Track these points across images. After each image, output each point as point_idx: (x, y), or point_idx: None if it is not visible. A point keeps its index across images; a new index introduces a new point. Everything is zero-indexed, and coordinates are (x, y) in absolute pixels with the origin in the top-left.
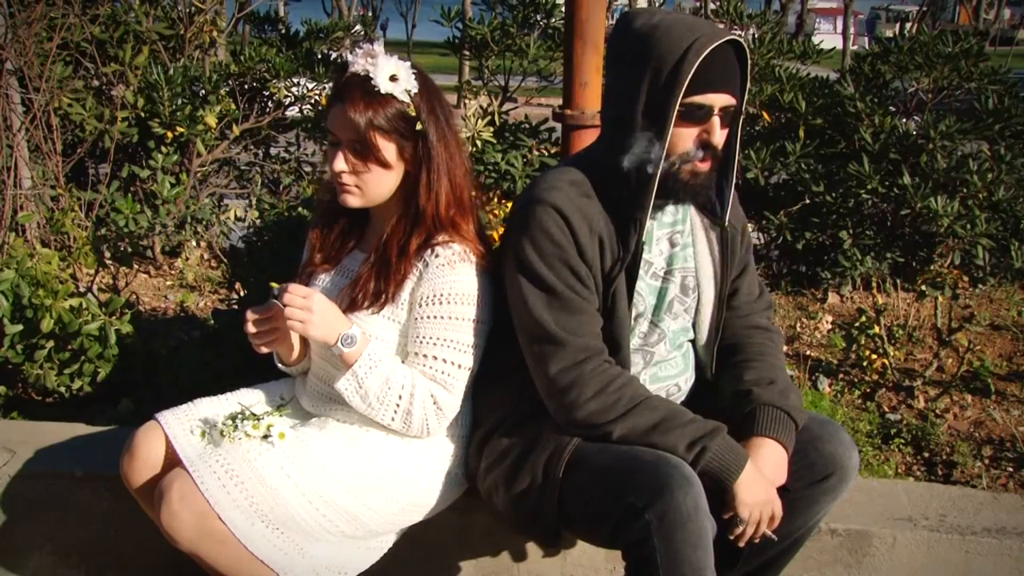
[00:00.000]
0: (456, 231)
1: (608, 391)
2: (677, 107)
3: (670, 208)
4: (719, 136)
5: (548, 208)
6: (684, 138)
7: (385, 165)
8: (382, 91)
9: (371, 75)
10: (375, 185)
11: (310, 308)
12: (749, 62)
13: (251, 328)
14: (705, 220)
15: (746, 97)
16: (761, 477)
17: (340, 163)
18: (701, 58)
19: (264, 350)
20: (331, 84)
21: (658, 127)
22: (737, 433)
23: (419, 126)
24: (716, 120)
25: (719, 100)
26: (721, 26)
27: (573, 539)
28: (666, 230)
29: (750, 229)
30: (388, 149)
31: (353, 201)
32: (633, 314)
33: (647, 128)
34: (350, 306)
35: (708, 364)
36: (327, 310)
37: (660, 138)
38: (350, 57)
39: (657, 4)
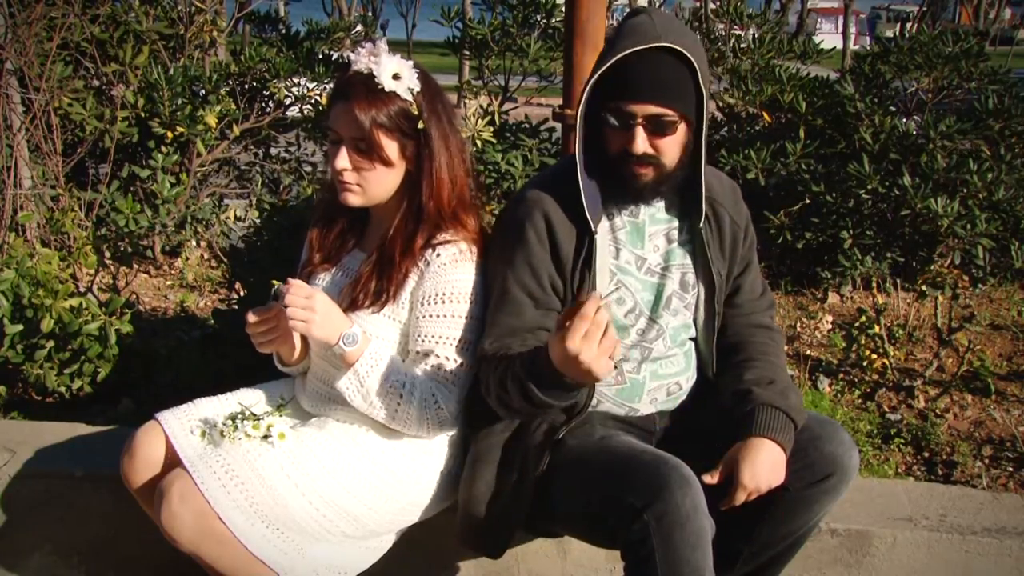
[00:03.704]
0: (460, 227)
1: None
2: (604, 112)
3: (659, 205)
4: (640, 144)
5: (527, 206)
6: (615, 143)
7: (387, 163)
8: (386, 89)
9: (375, 73)
10: (376, 183)
11: (313, 308)
12: (700, 72)
13: (252, 329)
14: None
15: (706, 105)
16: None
17: (343, 160)
18: (606, 65)
19: (266, 350)
20: (333, 82)
21: (583, 130)
22: (736, 433)
23: (421, 124)
24: (638, 129)
25: (641, 109)
26: (721, 26)
27: (572, 539)
28: (661, 226)
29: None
30: (390, 147)
31: (354, 200)
32: (624, 310)
33: (582, 130)
34: (351, 305)
35: (708, 361)
36: (329, 310)
37: (584, 141)
38: (353, 56)
39: (657, 4)
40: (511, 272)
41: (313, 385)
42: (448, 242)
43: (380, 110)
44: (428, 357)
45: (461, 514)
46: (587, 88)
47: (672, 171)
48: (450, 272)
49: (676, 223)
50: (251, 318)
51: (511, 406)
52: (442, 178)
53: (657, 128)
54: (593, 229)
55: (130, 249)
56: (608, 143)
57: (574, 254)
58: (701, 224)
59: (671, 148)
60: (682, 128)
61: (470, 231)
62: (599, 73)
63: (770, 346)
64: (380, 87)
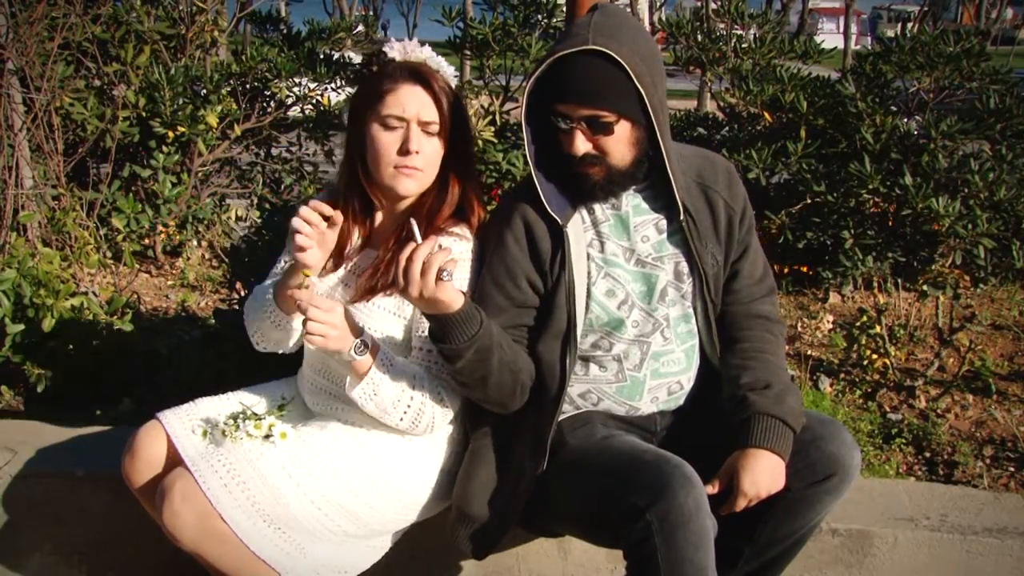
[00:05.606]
0: (472, 214)
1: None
2: (551, 114)
3: (647, 195)
4: (579, 145)
5: (506, 212)
6: (564, 143)
7: (446, 142)
8: (448, 78)
9: (431, 64)
10: (434, 165)
11: (335, 324)
12: (634, 74)
13: (304, 223)
14: (689, 206)
15: (656, 102)
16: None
17: (416, 142)
18: (540, 69)
19: (300, 255)
20: (381, 73)
21: (530, 132)
22: (734, 441)
23: (458, 110)
24: (576, 131)
25: (575, 111)
26: (722, 26)
27: (573, 539)
28: (648, 217)
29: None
30: (445, 130)
31: (414, 187)
32: (616, 302)
33: (528, 132)
34: (369, 292)
35: (712, 352)
36: (345, 322)
37: (548, 141)
38: (398, 47)
39: (657, 4)
40: (489, 274)
41: (312, 380)
42: (460, 238)
43: (442, 89)
44: (432, 354)
45: (453, 511)
46: (528, 91)
47: (625, 169)
48: (459, 270)
49: (664, 212)
50: (311, 209)
51: (459, 380)
52: (469, 163)
53: (596, 128)
54: (560, 224)
55: (131, 249)
56: (560, 144)
57: (551, 251)
58: (682, 218)
59: (616, 147)
60: (624, 127)
61: (478, 223)
62: (536, 75)
63: (768, 341)
64: (443, 75)
